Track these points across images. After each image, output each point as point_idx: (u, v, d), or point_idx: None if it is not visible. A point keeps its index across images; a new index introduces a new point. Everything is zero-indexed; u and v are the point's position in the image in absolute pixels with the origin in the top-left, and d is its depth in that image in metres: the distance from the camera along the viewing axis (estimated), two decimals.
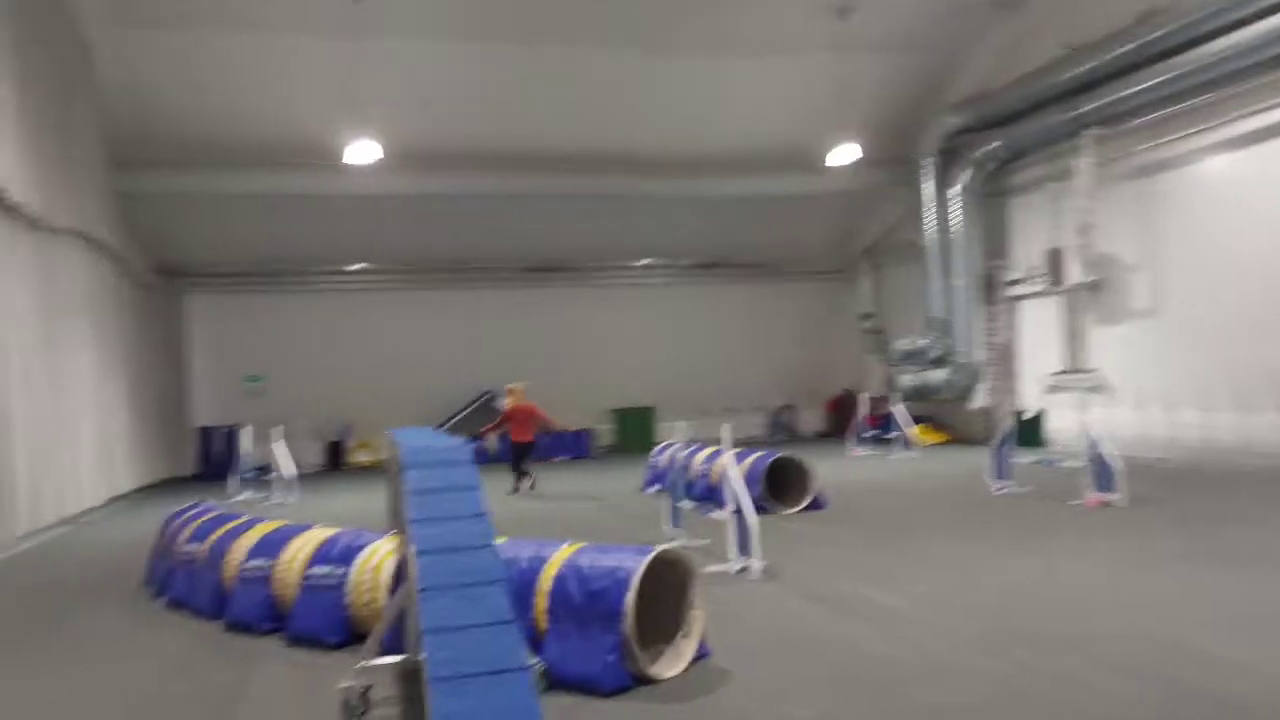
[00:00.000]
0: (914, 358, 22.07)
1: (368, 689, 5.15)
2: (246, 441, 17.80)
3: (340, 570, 6.72)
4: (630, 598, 5.25)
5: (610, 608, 5.29)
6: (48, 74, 14.22)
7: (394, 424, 19.32)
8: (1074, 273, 18.08)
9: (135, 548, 11.29)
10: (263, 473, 18.22)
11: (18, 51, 12.84)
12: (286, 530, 7.66)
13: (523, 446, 16.42)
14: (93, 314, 16.45)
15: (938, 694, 5.04)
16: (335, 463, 23.97)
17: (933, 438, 22.10)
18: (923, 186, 21.54)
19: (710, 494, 12.95)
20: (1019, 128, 19.37)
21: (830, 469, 16.43)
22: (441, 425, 24.06)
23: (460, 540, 4.14)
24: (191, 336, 23.40)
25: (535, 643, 5.50)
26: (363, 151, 17.64)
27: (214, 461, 22.31)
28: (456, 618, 3.62)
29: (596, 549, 5.77)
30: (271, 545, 7.41)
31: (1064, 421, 18.73)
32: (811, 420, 27.37)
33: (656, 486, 15.22)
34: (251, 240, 22.94)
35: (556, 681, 5.31)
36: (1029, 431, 19.29)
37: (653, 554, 5.49)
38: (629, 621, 5.22)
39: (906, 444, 19.22)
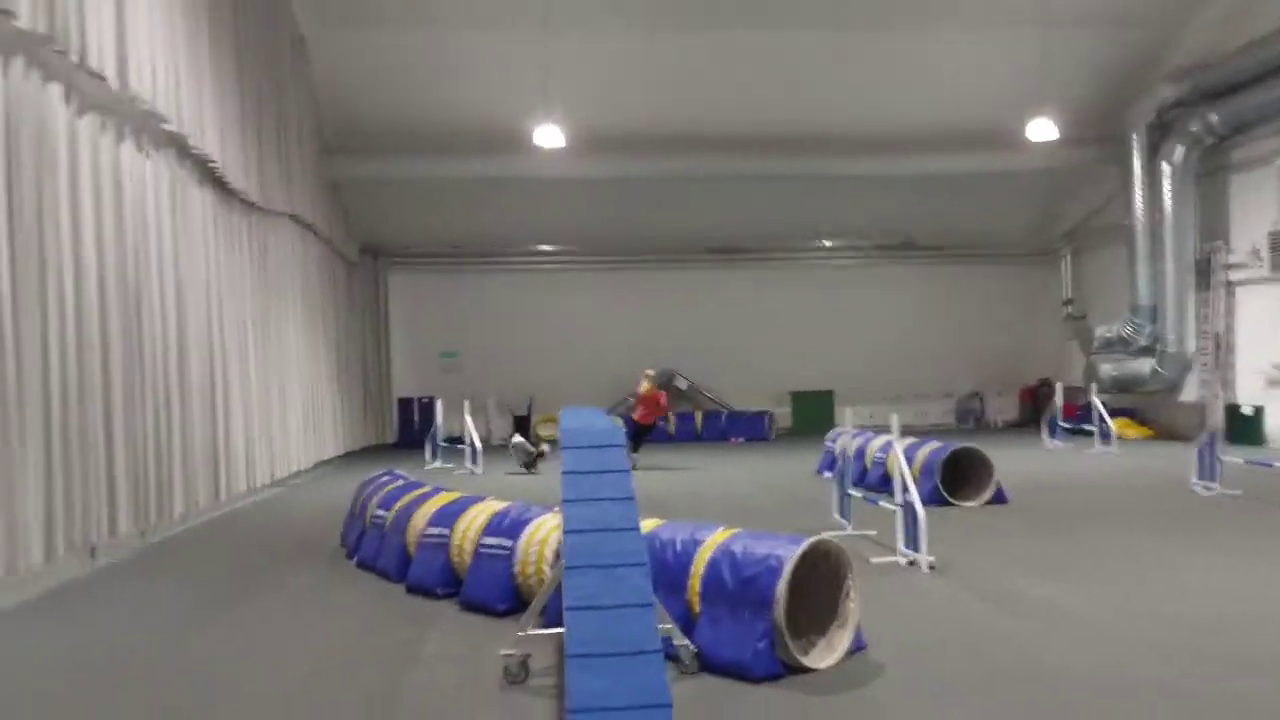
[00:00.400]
0: (1117, 346, 20.68)
1: (527, 657, 5.38)
2: (439, 414, 18.80)
3: (509, 542, 7.02)
4: (782, 586, 5.22)
5: (761, 595, 5.28)
6: (267, 69, 15.38)
7: (575, 400, 19.99)
8: None
9: (335, 511, 12.18)
10: (454, 443, 19.24)
11: (240, 49, 13.96)
12: (464, 501, 8.07)
13: (643, 427, 17.28)
14: (303, 291, 17.76)
15: (1106, 707, 4.76)
16: (522, 436, 24.89)
17: (1135, 432, 20.69)
18: (1132, 164, 20.05)
19: (885, 483, 12.66)
20: (1242, 99, 17.71)
21: (1020, 461, 15.72)
22: (617, 405, 24.62)
23: (608, 521, 4.26)
24: (392, 312, 24.84)
25: (688, 625, 5.57)
26: (549, 136, 18.15)
27: (412, 431, 23.70)
28: (598, 597, 3.73)
29: (751, 535, 5.77)
30: (450, 514, 7.82)
31: None
32: (1003, 409, 26.16)
33: (829, 473, 15.02)
34: (447, 222, 24.10)
35: (708, 665, 5.36)
36: (1245, 429, 17.75)
37: (807, 544, 5.44)
38: (780, 609, 5.20)
39: (1105, 438, 18.06)
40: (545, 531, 6.86)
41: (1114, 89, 20.58)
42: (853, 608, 5.68)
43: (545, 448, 17.98)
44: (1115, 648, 5.75)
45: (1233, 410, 17.95)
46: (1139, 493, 12.69)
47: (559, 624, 5.62)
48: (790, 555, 5.34)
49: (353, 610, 7.34)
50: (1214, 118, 18.35)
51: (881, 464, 13.13)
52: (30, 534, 7.88)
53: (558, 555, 6.52)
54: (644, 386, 17.67)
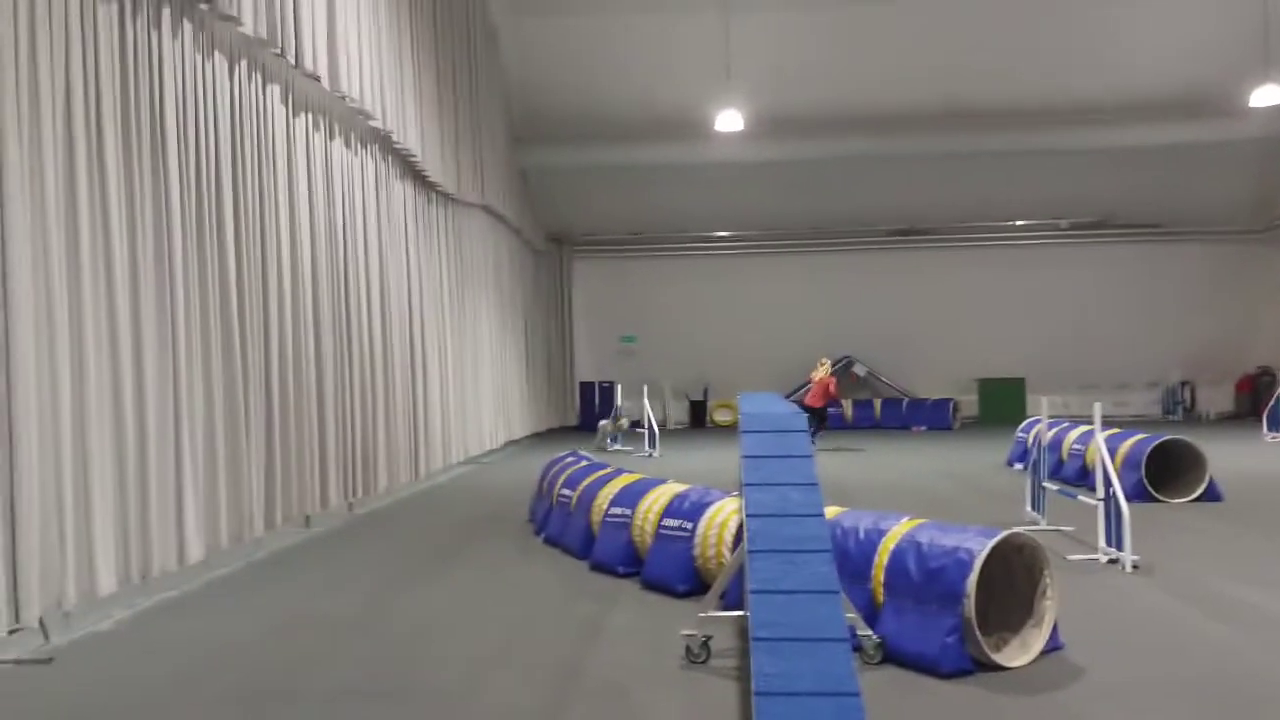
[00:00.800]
0: None
1: (708, 639, 5.45)
2: (619, 397, 19.21)
3: (689, 524, 7.11)
4: (972, 580, 5.06)
5: (950, 588, 5.13)
6: (463, 61, 16.06)
7: (751, 387, 20.00)
8: None
9: (523, 488, 12.69)
10: (634, 426, 19.62)
11: (439, 43, 14.64)
12: (645, 483, 8.23)
13: (816, 411, 17.60)
14: (494, 279, 18.52)
15: None
16: (698, 420, 25.13)
17: None
18: None
19: (1083, 476, 12.03)
20: None
21: (1236, 456, 14.57)
22: (795, 391, 24.37)
23: (791, 507, 4.25)
24: (575, 299, 25.51)
25: (871, 616, 5.49)
26: (729, 121, 18.13)
27: (593, 414, 24.32)
28: (782, 582, 3.74)
29: (937, 526, 5.61)
30: (632, 495, 8.00)
31: None
32: (1217, 400, 24.25)
33: (1021, 464, 14.37)
34: (627, 208, 24.53)
35: (892, 656, 5.27)
36: None
37: (999, 537, 5.24)
38: (970, 604, 5.04)
39: None
40: (725, 515, 6.91)
41: None
42: (1049, 605, 5.44)
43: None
44: None
45: None
46: None
47: (739, 607, 5.69)
48: (981, 548, 5.17)
49: (540, 584, 7.63)
50: None
51: (1080, 456, 12.46)
52: (255, 506, 8.61)
53: (738, 539, 6.57)
54: (818, 372, 17.94)
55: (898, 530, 5.65)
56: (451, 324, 15.52)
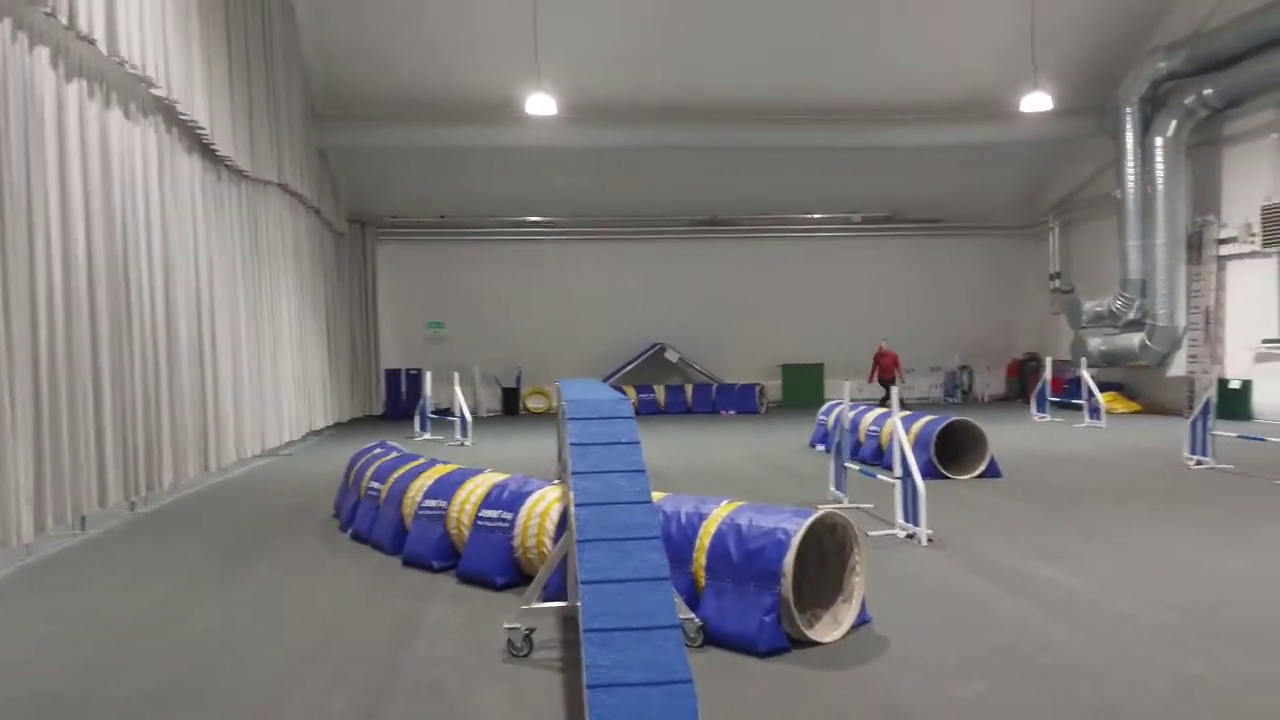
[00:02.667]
0: (1106, 320, 20.75)
1: (531, 631, 5.34)
2: (428, 385, 18.70)
3: (509, 515, 6.97)
4: (789, 559, 5.20)
5: (768, 568, 5.26)
6: (255, 34, 15.10)
7: (565, 373, 19.96)
8: None
9: (328, 481, 12.13)
10: (443, 415, 19.18)
11: (229, 14, 13.69)
12: (461, 473, 8.01)
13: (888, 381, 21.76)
14: (293, 261, 17.56)
15: (1110, 688, 4.75)
16: (511, 408, 24.87)
17: (1123, 406, 20.82)
18: (1124, 136, 20.02)
19: (878, 456, 12.69)
20: (1236, 72, 17.67)
21: (1009, 435, 15.79)
22: (609, 377, 24.59)
23: (619, 495, 4.20)
24: (380, 283, 24.61)
25: (693, 599, 5.55)
26: (539, 105, 17.92)
27: (399, 403, 23.62)
28: (612, 571, 3.68)
29: (755, 508, 5.74)
30: (447, 487, 7.76)
31: (1275, 394, 17.23)
32: (991, 383, 26.26)
33: (823, 446, 15.03)
34: (435, 191, 23.90)
35: (713, 638, 5.34)
36: (1234, 403, 17.83)
37: (813, 516, 5.41)
38: (788, 583, 5.17)
39: (1094, 412, 18.14)
40: (546, 505, 6.81)
41: (1107, 60, 20.54)
42: (858, 582, 5.67)
43: None
44: (1114, 626, 5.75)
45: (1221, 385, 18.00)
46: (1130, 467, 12.75)
47: (560, 598, 5.62)
48: (798, 528, 5.31)
49: (350, 582, 7.29)
50: (1208, 90, 18.33)
51: (875, 437, 13.14)
52: (21, 505, 7.77)
53: (560, 528, 6.48)
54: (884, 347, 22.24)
55: (718, 513, 5.74)
56: (246, 308, 14.60)
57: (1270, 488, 10.49)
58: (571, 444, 4.59)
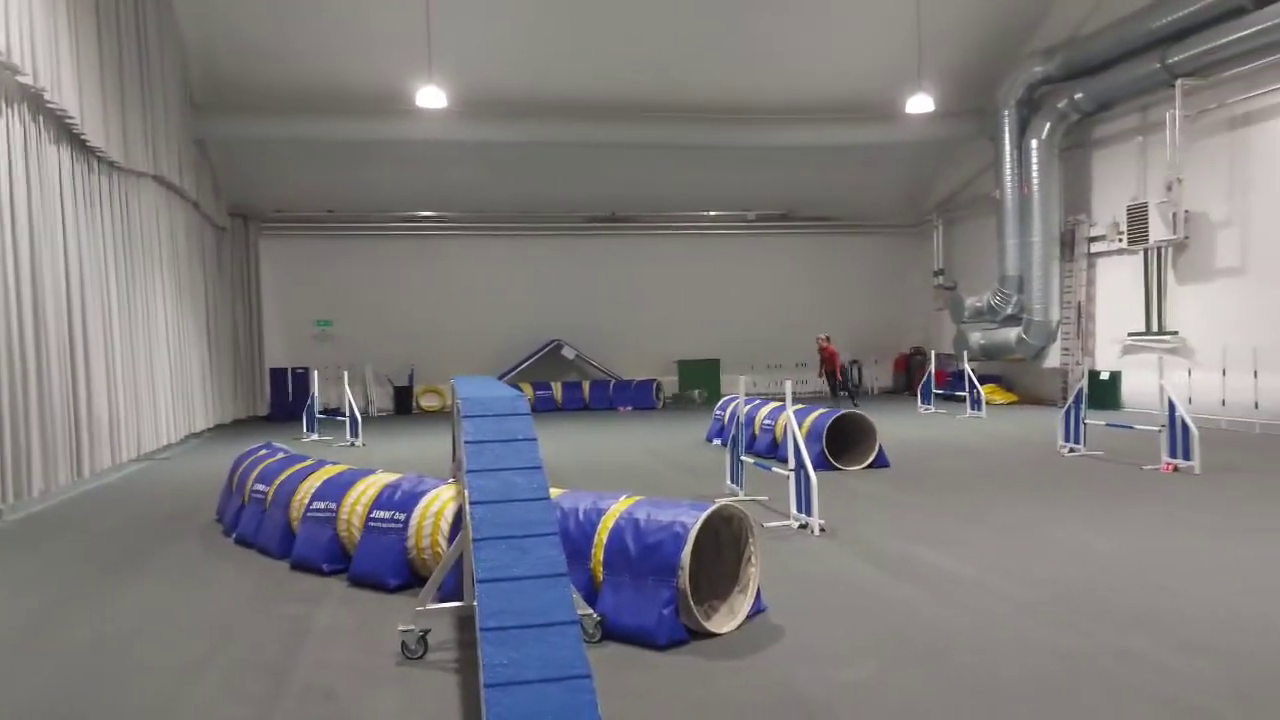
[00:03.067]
0: (986, 315, 21.58)
1: (426, 632, 5.24)
2: (316, 384, 18.18)
3: (402, 515, 6.82)
4: (686, 552, 5.23)
5: (666, 561, 5.28)
6: (128, 20, 14.42)
7: (460, 371, 19.62)
8: (1158, 229, 17.39)
9: (210, 485, 11.71)
10: (332, 415, 18.70)
11: (100, 2, 13.02)
12: (350, 474, 7.80)
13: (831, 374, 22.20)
14: (170, 256, 16.84)
15: (996, 664, 4.94)
16: (403, 407, 24.41)
17: (1002, 397, 21.67)
18: (1002, 139, 20.84)
19: (773, 449, 12.91)
20: (1105, 77, 18.57)
21: (897, 427, 16.26)
22: (505, 374, 24.38)
23: (515, 492, 4.15)
24: (264, 279, 23.82)
25: (591, 594, 5.53)
26: (431, 98, 17.59)
27: (285, 403, 22.90)
28: (509, 569, 3.63)
29: (652, 503, 5.76)
30: (336, 488, 7.55)
31: (1141, 384, 18.19)
32: (879, 377, 26.99)
33: (719, 440, 15.21)
34: (322, 185, 23.27)
35: (611, 633, 5.33)
36: (1104, 393, 18.79)
37: (709, 509, 5.45)
38: (685, 576, 5.20)
39: (975, 404, 18.84)
40: (440, 504, 6.70)
41: (986, 65, 21.32)
42: (753, 572, 5.74)
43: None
44: (996, 606, 5.97)
45: (1092, 376, 18.94)
46: (1009, 455, 13.28)
47: (456, 598, 5.54)
48: (694, 521, 5.35)
49: (236, 588, 7.02)
50: (1079, 95, 19.20)
51: (770, 430, 13.36)
52: None
53: (455, 527, 6.39)
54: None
55: (616, 509, 5.73)
56: (120, 306, 13.93)
57: (1137, 472, 11.07)
58: (467, 442, 4.52)
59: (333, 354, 23.67)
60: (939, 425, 17.51)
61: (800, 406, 13.02)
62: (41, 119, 11.31)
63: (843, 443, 12.40)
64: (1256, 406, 15.34)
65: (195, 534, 9.09)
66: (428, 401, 24.92)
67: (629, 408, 24.02)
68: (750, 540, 5.75)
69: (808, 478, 8.18)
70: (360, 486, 7.38)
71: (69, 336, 11.81)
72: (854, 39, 20.56)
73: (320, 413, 18.32)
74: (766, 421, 13.67)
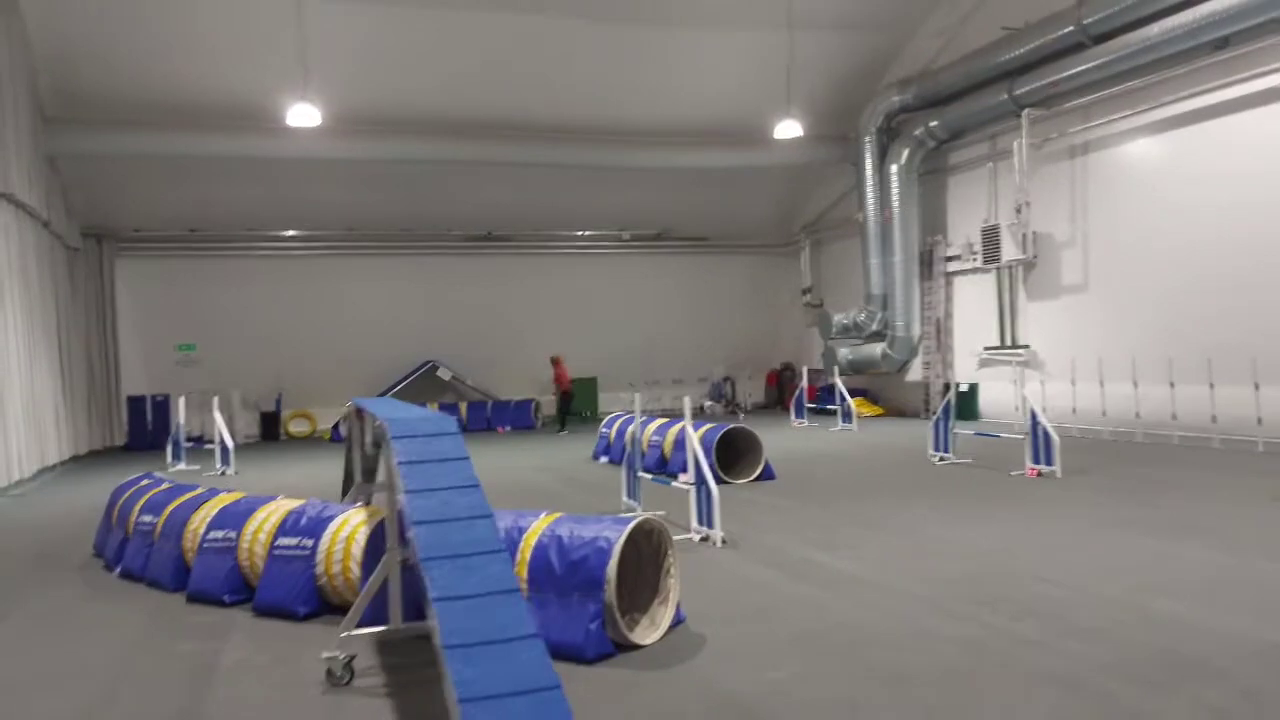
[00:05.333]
0: (852, 332, 22.48)
1: (351, 658, 5.18)
2: (181, 412, 17.40)
3: (309, 541, 6.69)
4: (613, 566, 5.34)
5: (591, 576, 5.38)
6: None
7: (331, 394, 19.13)
8: (1009, 249, 18.57)
9: (76, 519, 11.13)
10: (197, 443, 17.92)
11: None
12: (248, 502, 7.58)
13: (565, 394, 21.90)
14: (20, 279, 15.86)
15: (905, 656, 5.25)
16: (270, 433, 23.57)
17: (869, 410, 22.59)
18: (864, 164, 21.84)
19: (662, 464, 13.13)
20: (958, 107, 19.74)
21: (774, 440, 16.71)
22: (380, 395, 23.88)
23: (456, 511, 4.19)
24: (120, 302, 22.65)
25: None
26: (303, 115, 17.17)
27: (145, 432, 21.81)
28: (460, 587, 3.67)
29: (574, 519, 5.85)
30: (234, 516, 7.33)
31: (996, 395, 19.32)
32: (752, 392, 27.71)
33: (606, 457, 15.35)
34: (183, 203, 22.36)
35: None
36: (963, 405, 19.82)
37: (633, 524, 5.59)
38: (611, 590, 5.31)
39: (846, 416, 19.61)
40: (350, 529, 6.60)
41: (849, 93, 22.33)
42: (673, 584, 5.90)
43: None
44: (895, 602, 6.34)
45: (954, 388, 19.97)
46: (885, 464, 13.91)
47: (378, 623, 5.49)
48: (619, 535, 5.47)
49: (129, 624, 6.70)
50: (934, 123, 20.34)
51: (658, 446, 13.58)
52: None
53: (368, 552, 6.31)
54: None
55: (538, 526, 5.80)
56: None
57: (1005, 478, 11.80)
58: (400, 463, 4.52)
59: (196, 379, 22.68)
60: (814, 438, 18.15)
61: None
62: None
63: (730, 456, 12.73)
64: (1104, 414, 16.54)
65: (71, 572, 8.60)
66: (296, 427, 24.14)
67: (507, 428, 23.86)
68: (669, 552, 5.91)
69: (709, 491, 8.42)
70: (262, 514, 7.18)
71: None
72: (724, 65, 21.21)
73: (186, 441, 17.50)
74: (654, 437, 13.88)
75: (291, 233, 24.02)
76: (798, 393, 21.60)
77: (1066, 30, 16.66)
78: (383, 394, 23.96)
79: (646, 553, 5.98)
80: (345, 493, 9.98)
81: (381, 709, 4.78)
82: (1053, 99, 17.61)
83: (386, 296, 24.70)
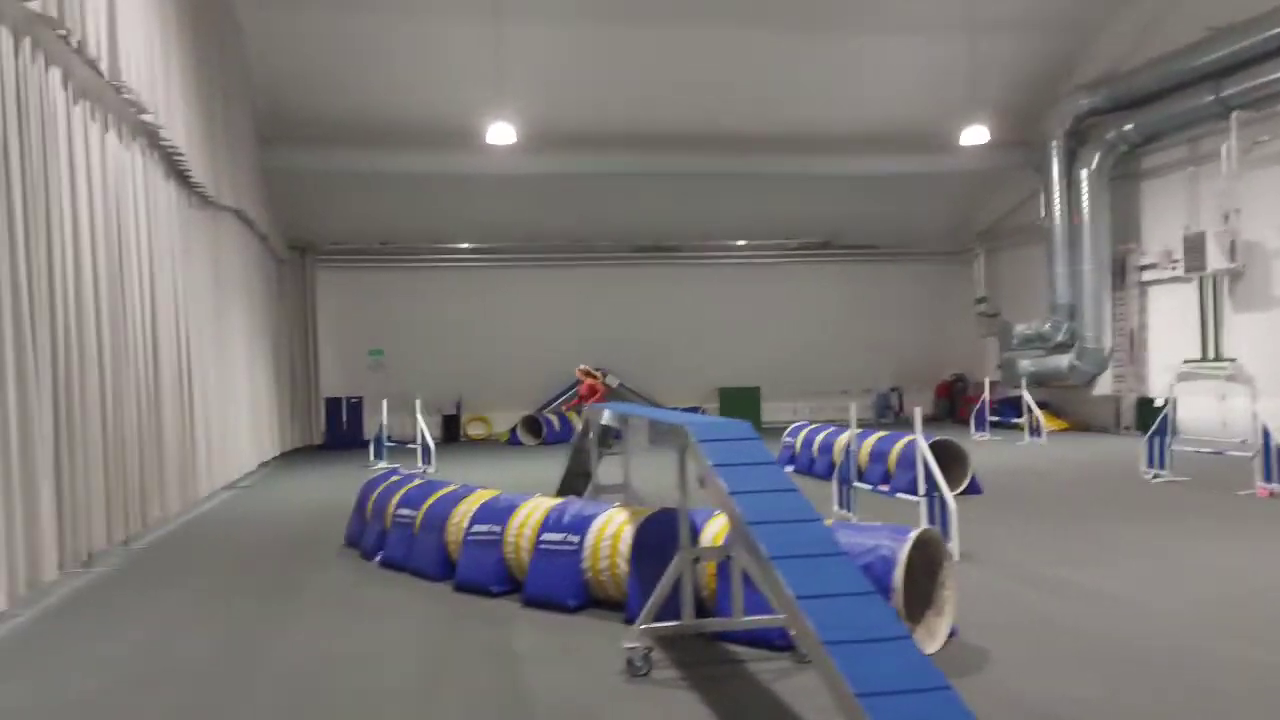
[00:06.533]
0: (1035, 342, 21.80)
1: (650, 650, 5.45)
2: (384, 413, 18.40)
3: (574, 537, 7.04)
4: (899, 574, 5.45)
5: (877, 584, 5.48)
6: (213, 55, 14.79)
7: (505, 400, 19.82)
8: (1214, 258, 17.68)
9: (310, 510, 11.98)
10: (397, 444, 18.88)
11: (194, 40, 13.38)
12: (507, 498, 8.03)
13: None
14: (244, 288, 17.15)
15: (1208, 679, 5.14)
16: (451, 435, 24.60)
17: (1053, 424, 21.83)
18: (1051, 169, 21.19)
19: (859, 476, 13.08)
20: (1155, 109, 18.93)
21: None
22: (550, 402, 24.70)
23: (788, 513, 4.38)
24: (319, 310, 24.13)
25: None
26: (501, 133, 17.92)
27: (340, 432, 23.12)
28: (819, 586, 3.85)
29: (849, 526, 5.98)
30: (496, 512, 7.77)
31: (1195, 409, 18.38)
32: (921, 404, 27.07)
33: (791, 466, 15.41)
34: (375, 217, 23.63)
35: None
36: (1157, 419, 18.95)
37: (915, 533, 5.68)
38: (898, 598, 5.42)
39: (1034, 430, 19.05)
40: (615, 527, 6.93)
41: (1034, 96, 21.71)
42: (949, 595, 5.95)
43: None
44: (1169, 623, 6.21)
45: (1146, 403, 19.16)
46: (1094, 480, 13.48)
47: (671, 618, 5.74)
48: (900, 544, 5.58)
49: (410, 609, 7.21)
50: (1127, 127, 19.56)
51: (855, 456, 13.53)
52: (47, 546, 7.48)
53: (637, 549, 6.61)
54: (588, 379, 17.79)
55: None
56: (213, 337, 14.24)
57: (1232, 497, 11.28)
58: (716, 465, 4.75)
59: (384, 383, 23.89)
60: (1002, 452, 17.70)
61: (884, 434, 13.28)
62: (155, 154, 11.63)
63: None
64: None
65: (332, 558, 9.29)
66: (474, 430, 25.15)
67: (618, 439, 24.03)
68: (945, 564, 5.96)
69: (945, 503, 8.40)
70: (524, 510, 7.61)
71: (179, 368, 12.08)
72: (901, 70, 20.99)
73: (388, 441, 18.49)
74: (828, 444, 13.88)
75: (472, 245, 25.05)
76: (979, 405, 21.09)
77: (1277, 30, 15.88)
78: (552, 400, 24.80)
79: (918, 564, 6.05)
80: (561, 490, 10.46)
81: (690, 700, 5.02)
82: (1265, 100, 16.72)
83: (555, 306, 25.43)
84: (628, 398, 25.73)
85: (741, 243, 26.44)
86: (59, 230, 8.17)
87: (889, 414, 26.90)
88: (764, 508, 4.37)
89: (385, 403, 18.62)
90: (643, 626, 5.47)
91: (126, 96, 9.91)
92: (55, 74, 8.37)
